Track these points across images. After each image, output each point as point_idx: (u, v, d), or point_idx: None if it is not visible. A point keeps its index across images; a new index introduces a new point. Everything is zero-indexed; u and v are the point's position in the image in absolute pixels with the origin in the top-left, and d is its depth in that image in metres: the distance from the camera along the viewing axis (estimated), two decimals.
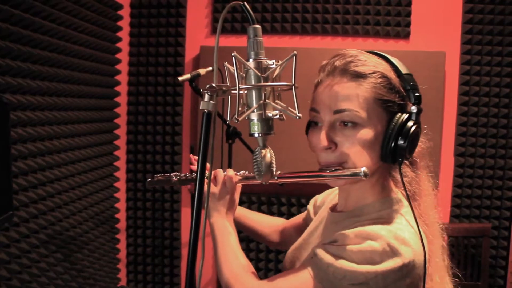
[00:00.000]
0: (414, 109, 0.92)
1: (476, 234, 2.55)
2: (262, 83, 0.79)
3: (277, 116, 0.80)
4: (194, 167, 1.29)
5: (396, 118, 0.91)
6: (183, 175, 1.25)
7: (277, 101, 0.82)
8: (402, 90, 0.94)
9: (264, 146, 0.82)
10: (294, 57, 0.78)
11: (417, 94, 0.93)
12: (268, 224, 1.40)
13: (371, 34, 2.65)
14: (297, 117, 0.79)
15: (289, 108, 0.81)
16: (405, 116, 0.91)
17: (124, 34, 2.64)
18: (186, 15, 2.74)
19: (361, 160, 0.91)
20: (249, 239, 2.74)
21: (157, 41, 2.75)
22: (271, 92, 0.81)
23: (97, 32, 2.20)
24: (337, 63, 0.94)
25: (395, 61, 0.96)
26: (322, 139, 0.91)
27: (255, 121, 0.80)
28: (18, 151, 1.60)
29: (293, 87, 0.80)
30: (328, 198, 1.24)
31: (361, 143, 0.90)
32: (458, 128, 2.65)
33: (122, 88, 2.67)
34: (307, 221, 1.28)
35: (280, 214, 2.73)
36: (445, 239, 1.06)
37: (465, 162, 2.66)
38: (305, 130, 1.04)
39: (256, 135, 0.81)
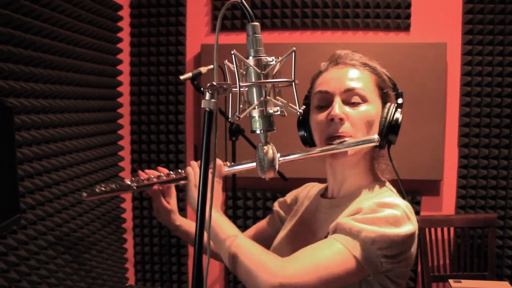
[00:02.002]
0: (400, 100, 1.08)
1: (482, 225, 2.55)
2: (262, 80, 0.79)
3: (278, 112, 0.81)
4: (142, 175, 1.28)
5: (389, 105, 1.05)
6: (142, 178, 1.25)
7: (277, 97, 0.82)
8: (390, 85, 1.09)
9: (266, 143, 0.83)
10: (293, 53, 0.79)
11: (399, 90, 1.09)
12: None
13: (371, 27, 2.65)
14: (298, 113, 0.80)
15: (290, 104, 0.82)
16: (395, 105, 1.05)
17: (125, 35, 2.65)
18: (186, 13, 2.74)
19: (367, 134, 1.02)
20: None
21: (158, 41, 2.75)
22: (272, 88, 0.81)
23: (98, 33, 2.21)
24: (339, 59, 1.09)
25: (378, 65, 1.11)
26: (339, 110, 1.00)
27: (257, 118, 0.80)
28: (24, 154, 1.61)
29: (293, 83, 0.80)
30: (300, 195, 1.29)
31: (366, 120, 1.02)
32: (461, 119, 2.65)
33: (125, 89, 2.68)
34: (275, 223, 1.31)
35: (266, 209, 2.75)
36: None
37: (469, 153, 2.66)
38: (298, 125, 1.13)
39: (257, 131, 0.81)
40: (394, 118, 1.02)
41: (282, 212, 1.32)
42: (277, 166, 0.84)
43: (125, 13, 2.61)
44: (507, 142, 2.61)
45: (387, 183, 1.09)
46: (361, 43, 2.61)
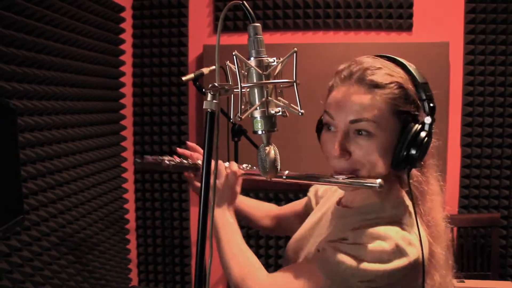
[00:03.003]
0: (427, 119, 0.91)
1: (485, 224, 2.55)
2: (264, 81, 0.80)
3: (280, 113, 0.81)
4: (187, 153, 1.27)
5: (409, 128, 0.91)
6: (177, 160, 1.24)
7: (279, 98, 0.83)
8: (417, 100, 0.94)
9: (268, 143, 0.83)
10: (295, 54, 0.79)
11: (431, 105, 0.93)
12: (260, 209, 1.40)
13: (373, 27, 2.65)
14: (300, 113, 0.80)
15: (292, 104, 0.82)
16: (418, 126, 0.91)
17: (127, 36, 2.66)
18: (188, 14, 2.75)
19: (373, 169, 0.93)
20: (248, 235, 2.75)
21: (160, 42, 2.76)
22: (273, 89, 0.82)
23: (100, 35, 2.22)
24: (354, 69, 0.94)
25: (412, 68, 0.95)
26: (336, 149, 0.92)
27: (258, 118, 0.80)
28: (27, 155, 1.62)
29: (294, 84, 0.80)
30: (331, 189, 1.25)
31: (374, 152, 0.91)
32: (464, 119, 2.64)
33: (127, 90, 2.69)
34: (307, 209, 1.30)
35: None
36: (449, 238, 1.08)
37: (472, 153, 2.65)
38: (316, 128, 1.05)
39: (259, 132, 0.81)
40: (415, 142, 0.90)
41: (313, 202, 1.30)
42: (279, 167, 0.84)
43: (127, 14, 2.62)
44: (510, 141, 2.61)
45: (403, 199, 1.00)
46: (363, 43, 2.61)
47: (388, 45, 2.57)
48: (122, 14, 2.45)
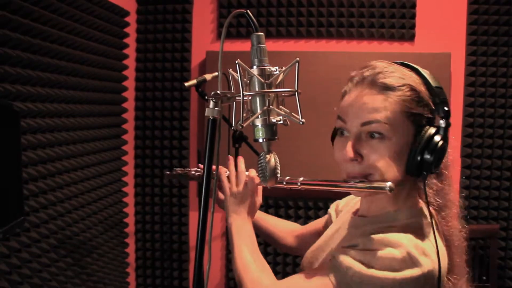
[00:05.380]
0: (442, 123, 0.91)
1: (484, 236, 2.55)
2: (266, 90, 0.81)
3: (281, 122, 0.82)
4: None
5: (424, 131, 0.90)
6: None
7: (280, 106, 0.84)
8: (431, 104, 0.93)
9: (269, 151, 0.84)
10: (297, 63, 0.80)
11: (446, 108, 0.92)
12: (283, 228, 1.40)
13: (376, 36, 2.66)
14: (301, 123, 0.81)
15: (293, 113, 0.83)
16: (433, 130, 0.90)
17: (131, 41, 2.67)
18: (192, 20, 2.76)
19: (387, 173, 0.90)
20: (266, 242, 2.74)
21: (164, 47, 2.77)
22: (275, 98, 0.83)
23: (104, 39, 2.23)
24: (366, 73, 0.94)
25: (425, 73, 0.95)
26: (348, 151, 0.90)
27: (259, 126, 0.81)
28: (29, 157, 1.63)
29: (296, 93, 0.81)
30: (350, 203, 1.23)
31: (387, 156, 0.89)
32: (465, 129, 2.65)
33: (130, 94, 2.70)
34: (327, 226, 1.27)
35: (297, 217, 2.74)
36: (466, 248, 1.05)
37: (472, 163, 2.66)
38: (331, 136, 1.03)
39: (260, 140, 0.82)
40: (430, 146, 0.89)
41: (334, 216, 1.29)
42: (279, 175, 0.85)
43: (131, 19, 2.63)
44: (510, 153, 2.61)
45: (421, 209, 0.98)
46: (365, 53, 2.62)
47: (390, 55, 2.58)
48: (127, 19, 2.47)
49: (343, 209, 1.25)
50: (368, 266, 0.84)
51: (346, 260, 0.87)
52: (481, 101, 2.62)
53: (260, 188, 1.15)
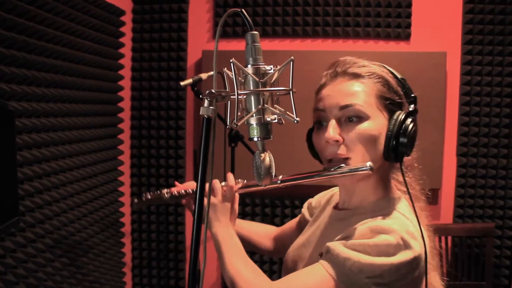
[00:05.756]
0: (412, 107, 0.98)
1: (480, 234, 2.56)
2: (261, 89, 0.80)
3: (276, 121, 0.82)
4: (179, 187, 1.28)
5: (396, 115, 0.96)
6: (175, 192, 1.25)
7: (275, 105, 0.84)
8: (400, 91, 1.01)
9: (263, 150, 0.84)
10: (292, 62, 0.80)
11: (413, 95, 1.00)
12: (259, 232, 1.41)
13: (372, 36, 2.67)
14: (295, 121, 0.81)
15: (287, 112, 0.83)
16: (404, 114, 0.96)
17: (127, 40, 2.67)
18: (188, 20, 2.76)
19: (365, 156, 0.95)
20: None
21: (160, 46, 2.77)
22: (270, 97, 0.83)
23: (100, 38, 2.23)
24: (338, 69, 1.03)
25: (390, 67, 1.03)
26: (331, 131, 0.95)
27: (254, 125, 0.81)
28: (24, 157, 1.63)
29: (291, 92, 0.81)
30: (323, 199, 1.27)
31: (365, 138, 0.95)
32: (460, 128, 2.66)
33: (125, 94, 2.70)
34: (301, 225, 1.30)
35: (283, 216, 2.75)
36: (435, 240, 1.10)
37: (468, 162, 2.67)
38: (306, 137, 1.09)
39: (255, 139, 0.82)
40: (403, 128, 0.94)
41: (307, 214, 1.32)
42: (273, 174, 0.85)
43: (127, 18, 2.63)
44: (506, 152, 2.62)
45: (401, 199, 1.02)
46: (361, 52, 2.60)
47: (386, 54, 2.58)
48: (122, 18, 2.46)
49: (318, 206, 1.28)
50: (365, 254, 0.87)
51: (343, 251, 0.88)
52: (477, 100, 2.63)
53: (237, 195, 1.15)
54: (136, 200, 1.32)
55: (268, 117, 0.81)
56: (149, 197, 1.29)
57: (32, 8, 1.66)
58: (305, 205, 1.35)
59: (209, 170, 0.82)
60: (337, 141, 0.96)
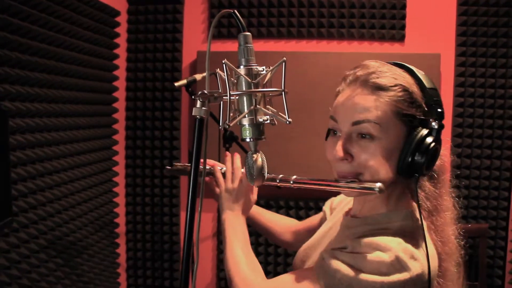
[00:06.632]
0: (435, 125, 0.91)
1: (474, 235, 2.56)
2: (253, 89, 0.81)
3: (268, 121, 0.82)
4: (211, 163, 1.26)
5: (415, 133, 0.90)
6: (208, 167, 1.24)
7: (268, 106, 0.84)
8: (424, 105, 0.93)
9: (256, 151, 0.84)
10: (284, 63, 0.80)
11: (439, 110, 0.92)
12: (281, 224, 1.40)
13: (366, 37, 2.68)
14: (287, 122, 0.81)
15: (280, 113, 0.83)
16: (425, 131, 0.90)
17: (122, 40, 2.67)
18: (183, 20, 2.76)
19: (378, 172, 0.91)
20: (258, 242, 2.75)
21: (155, 47, 2.77)
22: (262, 97, 0.83)
23: (94, 38, 2.22)
24: (359, 73, 0.94)
25: (420, 74, 0.95)
26: (338, 150, 0.91)
27: (247, 126, 0.82)
28: (17, 157, 1.62)
29: (283, 93, 0.82)
30: (344, 201, 1.23)
31: (377, 156, 0.90)
32: (454, 129, 2.67)
33: (120, 94, 2.69)
34: (322, 222, 1.28)
35: (298, 218, 2.72)
36: (461, 254, 1.06)
37: (461, 163, 2.68)
38: (326, 137, 1.03)
39: (247, 140, 0.83)
40: (421, 146, 0.88)
41: (327, 212, 1.30)
42: (266, 175, 0.85)
43: (122, 19, 2.63)
44: (499, 153, 2.64)
45: (412, 211, 0.97)
46: (356, 53, 2.64)
47: (381, 55, 2.59)
48: (117, 19, 2.46)
49: (337, 207, 1.25)
50: (357, 269, 0.85)
51: (335, 263, 0.87)
52: (471, 101, 2.64)
53: (255, 188, 1.15)
54: (168, 167, 1.31)
55: (261, 118, 0.82)
56: (180, 167, 1.29)
57: (25, 8, 1.65)
58: (327, 203, 1.32)
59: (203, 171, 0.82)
60: (345, 159, 0.92)
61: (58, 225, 1.89)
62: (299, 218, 1.47)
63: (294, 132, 2.36)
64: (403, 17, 2.66)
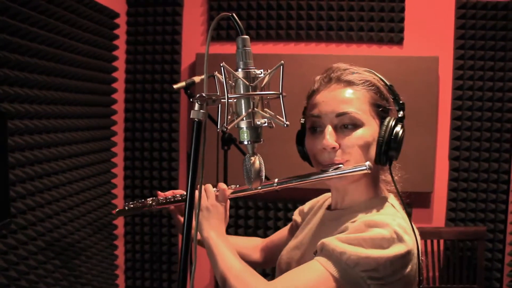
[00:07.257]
0: (401, 113, 1.03)
1: (472, 237, 2.57)
2: (250, 92, 0.81)
3: (266, 124, 0.83)
4: (167, 193, 1.28)
5: (387, 121, 1.00)
6: (161, 198, 1.25)
7: (265, 109, 0.84)
8: (390, 98, 1.05)
9: (254, 153, 0.85)
10: (282, 66, 0.81)
11: (401, 101, 1.04)
12: (247, 245, 1.39)
13: (365, 40, 2.68)
14: (285, 125, 0.82)
15: (277, 116, 0.83)
16: (395, 121, 1.00)
17: (121, 42, 2.67)
18: (182, 23, 2.77)
19: (360, 160, 0.99)
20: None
21: (154, 49, 2.77)
22: (260, 100, 0.83)
23: (94, 40, 2.23)
24: (333, 75, 1.05)
25: (379, 74, 1.06)
26: (329, 139, 0.97)
27: (244, 129, 0.82)
28: (16, 159, 1.62)
29: (280, 96, 0.82)
30: (316, 204, 1.27)
31: (360, 144, 0.98)
32: (452, 132, 2.68)
33: (119, 96, 2.70)
34: (293, 230, 1.30)
35: (276, 219, 2.75)
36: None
37: (460, 166, 2.68)
38: (296, 140, 1.11)
39: (245, 142, 0.83)
40: (393, 134, 0.98)
41: (299, 220, 1.31)
42: (263, 177, 0.85)
43: (121, 21, 2.63)
44: (497, 155, 2.65)
45: (391, 197, 1.06)
46: (354, 56, 2.64)
47: (379, 58, 2.60)
48: (116, 21, 2.46)
49: (309, 212, 1.28)
50: (361, 247, 0.88)
51: (338, 245, 0.90)
52: (469, 104, 2.65)
53: (227, 202, 1.14)
54: (119, 209, 1.31)
55: (258, 121, 0.82)
56: (132, 206, 1.29)
57: (25, 10, 1.66)
58: (296, 211, 1.35)
59: (200, 173, 0.83)
60: (334, 147, 0.98)
61: (56, 227, 1.89)
62: (288, 219, 1.45)
63: (293, 134, 2.36)
64: (402, 20, 2.66)
